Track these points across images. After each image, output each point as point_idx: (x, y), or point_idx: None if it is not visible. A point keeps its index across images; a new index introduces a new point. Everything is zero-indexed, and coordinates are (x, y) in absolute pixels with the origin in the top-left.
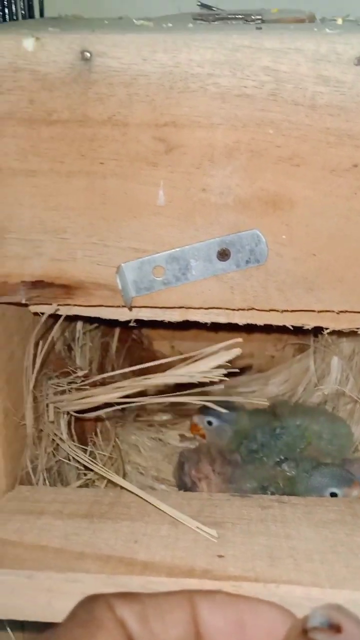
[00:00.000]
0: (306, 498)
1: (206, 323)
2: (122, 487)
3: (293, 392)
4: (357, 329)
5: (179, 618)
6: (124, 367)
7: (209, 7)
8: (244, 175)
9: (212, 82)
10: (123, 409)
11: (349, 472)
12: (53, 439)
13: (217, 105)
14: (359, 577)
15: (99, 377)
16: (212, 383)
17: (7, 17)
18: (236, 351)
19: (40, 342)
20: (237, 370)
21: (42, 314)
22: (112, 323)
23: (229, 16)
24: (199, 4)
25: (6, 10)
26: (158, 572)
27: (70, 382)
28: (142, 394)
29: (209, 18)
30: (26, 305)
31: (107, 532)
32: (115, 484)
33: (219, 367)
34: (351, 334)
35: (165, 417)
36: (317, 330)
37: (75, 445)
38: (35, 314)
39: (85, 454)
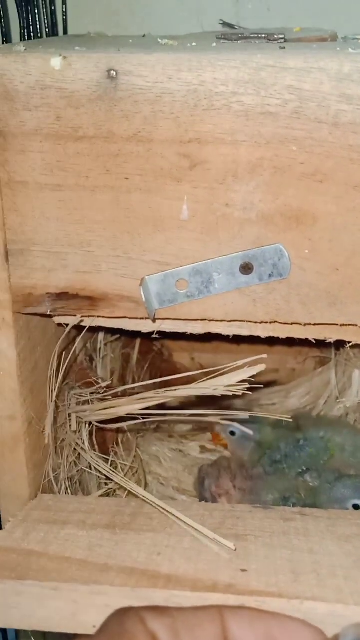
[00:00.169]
0: (329, 511)
1: (228, 335)
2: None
3: (314, 405)
4: None
5: (209, 632)
6: (144, 379)
7: (231, 26)
8: (267, 191)
9: (236, 100)
10: (144, 420)
11: None
12: (75, 449)
13: (241, 122)
14: None
15: (121, 388)
16: (234, 397)
17: (32, 34)
18: (261, 367)
19: (64, 353)
20: (261, 385)
21: (67, 325)
22: (133, 334)
23: (252, 35)
24: (221, 22)
25: (31, 28)
26: (182, 586)
27: (93, 393)
28: (163, 405)
29: (233, 37)
30: (51, 316)
31: (130, 544)
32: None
33: (243, 381)
34: None
35: (185, 428)
36: (339, 344)
37: (96, 455)
38: (59, 325)
39: (107, 463)
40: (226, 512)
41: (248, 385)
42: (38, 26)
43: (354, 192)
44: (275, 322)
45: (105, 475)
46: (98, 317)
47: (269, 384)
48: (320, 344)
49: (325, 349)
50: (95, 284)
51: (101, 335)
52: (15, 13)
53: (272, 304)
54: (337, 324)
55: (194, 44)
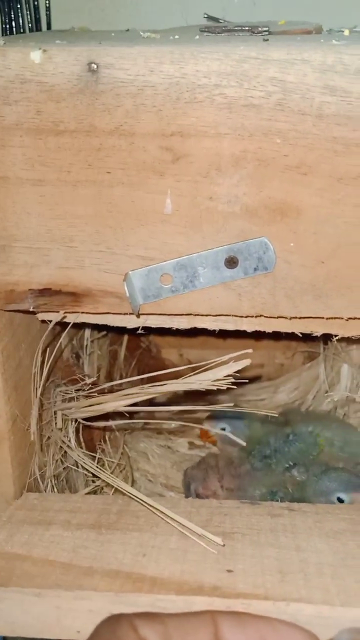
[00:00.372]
0: (316, 505)
1: (214, 330)
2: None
3: (303, 400)
4: None
5: (201, 638)
6: (132, 375)
7: (215, 19)
8: (251, 184)
9: (218, 92)
10: (132, 417)
11: (357, 476)
12: (61, 446)
13: (224, 115)
14: None
15: (107, 385)
16: (219, 391)
17: (14, 30)
18: (246, 361)
19: (48, 350)
20: (246, 380)
21: (50, 321)
22: (120, 331)
23: (236, 28)
24: (206, 16)
25: (13, 23)
26: (167, 590)
27: (78, 390)
28: (150, 402)
29: (216, 30)
30: (34, 312)
31: (115, 545)
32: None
33: (228, 376)
34: (357, 341)
35: (174, 424)
36: (327, 338)
37: (83, 453)
38: (43, 321)
39: (94, 461)
40: (213, 509)
41: (233, 380)
42: (21, 22)
43: (338, 184)
44: (260, 316)
45: (92, 473)
46: (82, 313)
47: (254, 379)
48: (309, 339)
49: (314, 343)
50: (78, 280)
51: (87, 332)
52: None
53: (257, 297)
54: (323, 317)
55: (176, 36)
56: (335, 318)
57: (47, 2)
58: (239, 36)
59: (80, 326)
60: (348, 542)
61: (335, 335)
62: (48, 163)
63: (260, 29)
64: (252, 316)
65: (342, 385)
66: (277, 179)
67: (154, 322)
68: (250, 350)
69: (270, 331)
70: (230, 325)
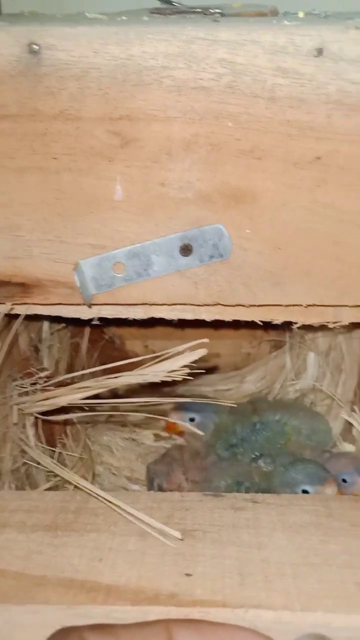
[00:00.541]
0: (281, 496)
1: (172, 320)
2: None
3: (270, 389)
4: (328, 322)
5: None
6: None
7: (169, 2)
8: (204, 169)
9: (167, 74)
10: (94, 410)
11: (324, 469)
12: (18, 442)
13: (173, 98)
14: (331, 596)
15: (64, 377)
16: (185, 381)
17: None
18: (202, 351)
19: (2, 343)
20: (202, 370)
21: None
22: (82, 323)
23: (187, 10)
24: None
25: None
26: (122, 600)
27: (34, 383)
28: (115, 394)
29: (166, 12)
30: None
31: (71, 548)
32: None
33: (185, 367)
34: (326, 329)
35: (139, 416)
36: (292, 326)
37: (41, 448)
38: None
39: (54, 455)
40: (175, 503)
41: (189, 371)
42: None
43: (293, 168)
44: (218, 304)
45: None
46: (32, 304)
47: (211, 370)
48: (275, 327)
49: (280, 332)
50: (27, 270)
51: (46, 325)
52: None
53: (214, 285)
54: (281, 305)
55: (124, 18)
56: (294, 305)
57: None
58: (190, 18)
59: (38, 318)
60: (311, 536)
61: (295, 323)
62: None
63: (212, 10)
64: (210, 305)
65: (309, 374)
66: (231, 164)
67: (108, 312)
68: (206, 340)
69: (230, 320)
70: (188, 314)
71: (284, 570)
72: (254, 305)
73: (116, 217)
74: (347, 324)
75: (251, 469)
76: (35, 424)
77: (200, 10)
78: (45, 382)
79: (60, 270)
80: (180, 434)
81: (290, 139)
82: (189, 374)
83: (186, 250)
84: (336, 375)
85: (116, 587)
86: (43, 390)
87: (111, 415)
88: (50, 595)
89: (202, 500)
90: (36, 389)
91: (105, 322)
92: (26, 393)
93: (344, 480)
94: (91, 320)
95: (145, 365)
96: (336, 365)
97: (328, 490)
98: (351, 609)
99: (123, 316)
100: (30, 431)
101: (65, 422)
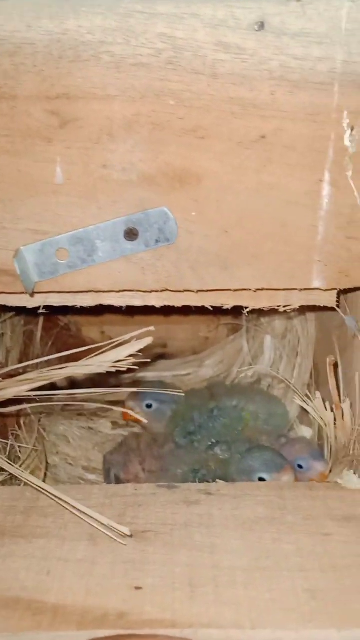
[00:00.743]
0: (235, 485)
1: (121, 307)
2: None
3: (228, 373)
4: (278, 306)
5: None
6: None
7: None
8: (147, 150)
9: (105, 50)
10: (48, 400)
11: (280, 456)
12: None
13: (112, 75)
14: (281, 608)
15: (16, 367)
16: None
17: None
18: (148, 340)
19: None
20: (148, 360)
21: None
22: (35, 310)
23: None
24: None
25: None
26: (68, 623)
27: None
28: (72, 382)
29: None
30: None
31: (19, 560)
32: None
33: (131, 356)
34: (278, 312)
35: (95, 405)
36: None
37: None
38: None
39: (5, 448)
40: (128, 498)
41: (134, 361)
42: None
43: (238, 148)
44: (166, 290)
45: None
46: None
47: (157, 358)
48: (233, 311)
49: (238, 315)
50: None
51: None
52: None
53: (161, 271)
54: (230, 290)
55: None
56: (244, 290)
57: None
58: None
59: None
60: (264, 534)
61: (246, 308)
62: None
63: None
64: (158, 290)
65: (266, 357)
66: (174, 144)
67: (55, 300)
68: (152, 328)
69: (179, 305)
70: (137, 301)
71: (235, 577)
72: (203, 291)
73: (58, 201)
74: (297, 307)
75: (208, 457)
76: None
77: None
78: None
79: (1, 258)
80: (138, 421)
81: (234, 117)
82: (135, 364)
83: (131, 234)
84: (292, 358)
85: (63, 607)
86: None
87: (68, 405)
88: None
89: (156, 494)
90: None
91: (58, 310)
92: None
93: (300, 466)
94: (37, 309)
95: (91, 355)
96: (292, 347)
97: (284, 478)
98: (301, 624)
99: (70, 304)
100: None
101: (19, 413)
